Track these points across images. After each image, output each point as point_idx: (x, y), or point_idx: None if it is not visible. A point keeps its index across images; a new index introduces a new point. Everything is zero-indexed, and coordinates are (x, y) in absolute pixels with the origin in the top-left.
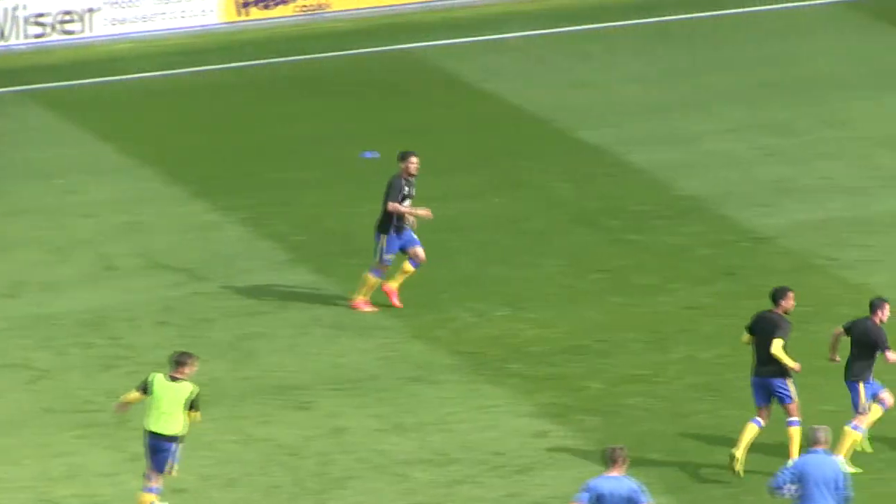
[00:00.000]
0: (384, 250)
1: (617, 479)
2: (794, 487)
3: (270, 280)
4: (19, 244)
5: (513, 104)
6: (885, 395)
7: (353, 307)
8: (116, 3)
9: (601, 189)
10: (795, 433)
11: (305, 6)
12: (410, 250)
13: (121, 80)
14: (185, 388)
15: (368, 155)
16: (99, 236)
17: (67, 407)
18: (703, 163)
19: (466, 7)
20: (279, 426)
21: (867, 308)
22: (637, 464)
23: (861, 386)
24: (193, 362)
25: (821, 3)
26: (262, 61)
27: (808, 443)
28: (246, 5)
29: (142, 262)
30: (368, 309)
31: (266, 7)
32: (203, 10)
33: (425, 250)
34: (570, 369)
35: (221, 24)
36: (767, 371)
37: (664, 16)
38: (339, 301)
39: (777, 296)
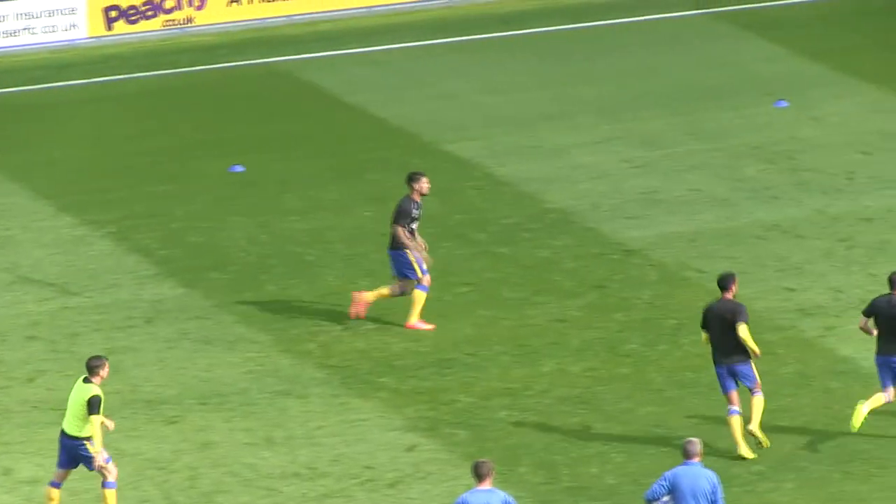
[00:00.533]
0: (417, 263)
1: (489, 493)
2: (667, 499)
3: (137, 294)
4: None
5: (379, 117)
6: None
7: (409, 328)
8: None
9: (468, 202)
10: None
11: (172, 20)
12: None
13: None
14: (88, 391)
15: (236, 169)
16: None
17: None
18: (571, 175)
19: (332, 20)
20: (148, 440)
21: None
22: (507, 477)
23: None
24: (103, 365)
25: (687, 15)
26: (129, 75)
27: (683, 455)
28: (113, 20)
29: (8, 277)
30: (426, 327)
31: (133, 22)
32: (70, 25)
33: (294, 264)
34: (440, 383)
35: (89, 38)
36: (733, 359)
37: (531, 28)
38: (207, 315)
39: (727, 282)
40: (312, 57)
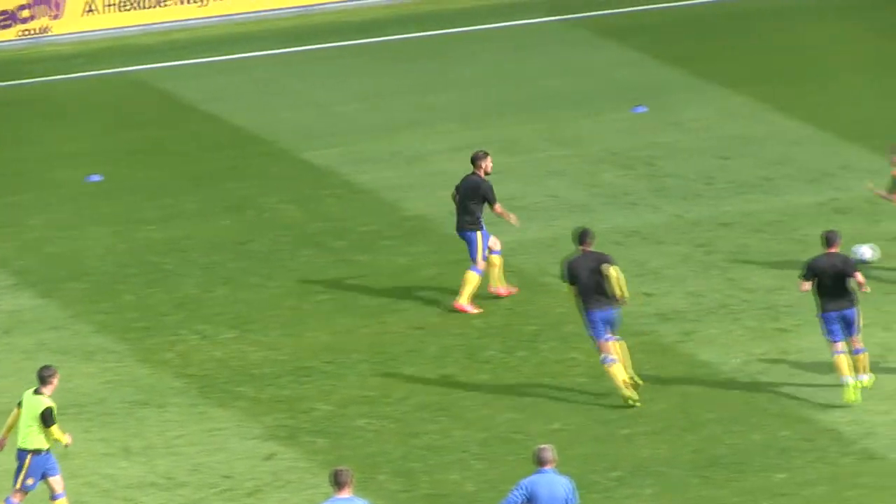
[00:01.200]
0: (483, 247)
1: (348, 501)
2: None
3: None
4: None
5: (236, 125)
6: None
7: (458, 310)
8: None
9: (327, 210)
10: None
11: (27, 30)
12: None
13: None
14: (40, 403)
15: (93, 178)
16: None
17: None
18: (430, 182)
19: (187, 29)
20: (5, 452)
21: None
22: (366, 485)
23: (858, 308)
24: (54, 374)
25: (544, 21)
26: None
27: (537, 462)
28: None
29: None
30: (475, 311)
31: None
32: None
33: (152, 273)
34: (298, 391)
35: None
36: (608, 303)
37: (387, 35)
38: (65, 325)
39: (584, 237)
40: (170, 66)
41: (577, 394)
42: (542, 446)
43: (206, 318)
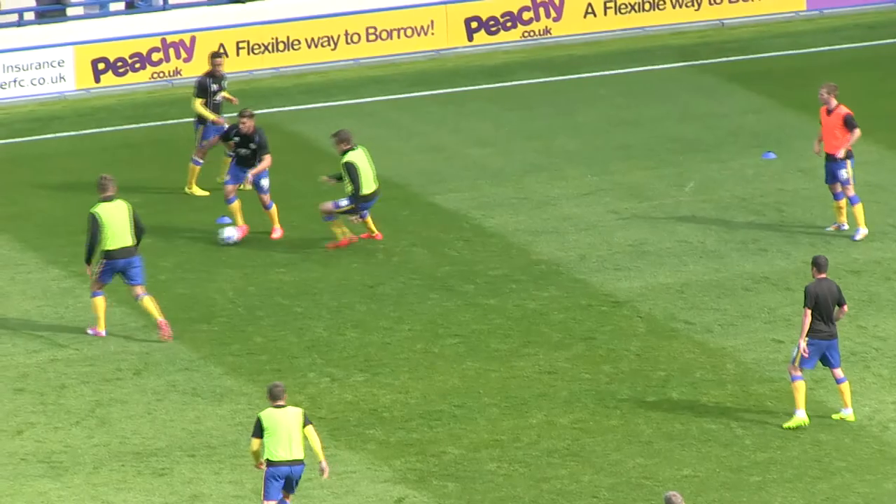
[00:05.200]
0: None
1: None
2: None
3: (125, 346)
4: None
5: None
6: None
7: None
8: None
9: (456, 254)
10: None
11: (159, 72)
12: None
13: None
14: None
15: (224, 220)
16: None
17: None
18: (559, 227)
19: (318, 72)
20: (137, 493)
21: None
22: None
23: None
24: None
25: (671, 67)
26: (116, 127)
27: None
28: (101, 72)
29: None
30: None
31: (120, 74)
32: (58, 77)
33: (275, 317)
34: (428, 434)
35: (76, 90)
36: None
37: (515, 80)
38: (195, 367)
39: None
40: (301, 108)
41: (708, 440)
42: (672, 492)
43: (336, 361)
